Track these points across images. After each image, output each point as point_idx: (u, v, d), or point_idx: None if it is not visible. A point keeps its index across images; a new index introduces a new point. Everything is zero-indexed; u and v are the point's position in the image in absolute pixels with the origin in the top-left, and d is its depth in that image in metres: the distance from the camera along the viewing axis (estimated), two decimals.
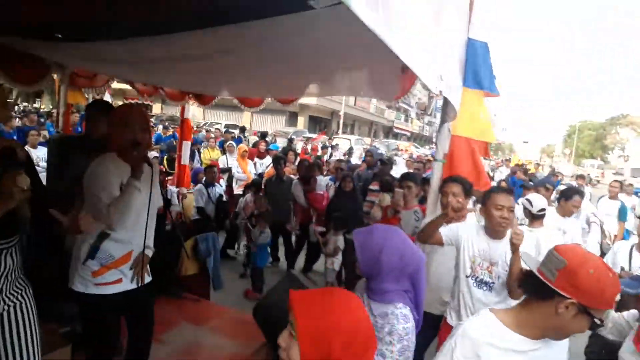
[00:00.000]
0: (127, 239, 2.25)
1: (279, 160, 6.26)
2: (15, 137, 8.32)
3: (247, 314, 3.39)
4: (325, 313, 1.04)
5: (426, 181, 3.98)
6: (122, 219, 2.13)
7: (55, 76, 4.63)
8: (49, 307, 3.33)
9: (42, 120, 11.95)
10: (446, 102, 2.90)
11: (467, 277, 2.59)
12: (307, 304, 1.06)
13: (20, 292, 1.80)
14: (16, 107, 17.17)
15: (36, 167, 2.14)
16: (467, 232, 2.67)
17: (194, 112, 24.65)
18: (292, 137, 20.41)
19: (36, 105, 21.79)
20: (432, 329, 2.74)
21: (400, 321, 1.68)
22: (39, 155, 6.49)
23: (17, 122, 10.07)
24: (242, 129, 16.93)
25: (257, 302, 3.36)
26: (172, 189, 6.16)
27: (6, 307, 1.74)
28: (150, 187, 2.27)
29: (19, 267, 1.77)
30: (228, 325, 3.64)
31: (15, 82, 4.21)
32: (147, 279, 2.42)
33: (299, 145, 15.13)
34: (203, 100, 5.84)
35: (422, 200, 4.69)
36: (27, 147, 7.32)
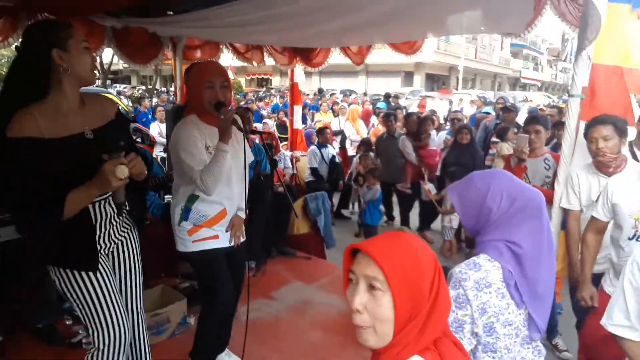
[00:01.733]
0: (218, 199, 2.20)
1: (388, 117, 5.96)
2: (149, 115, 9.26)
3: None
4: (406, 256, 0.89)
5: (561, 125, 3.38)
6: (216, 184, 2.06)
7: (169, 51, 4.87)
8: (173, 265, 3.62)
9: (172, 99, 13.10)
10: (585, 19, 2.36)
11: (630, 239, 2.11)
12: (386, 252, 0.90)
13: (125, 231, 1.90)
14: (155, 91, 19.13)
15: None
16: (621, 185, 2.16)
17: (312, 82, 25.15)
18: (408, 96, 19.65)
19: (172, 88, 24.09)
20: None
21: (462, 265, 1.36)
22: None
23: (152, 102, 11.16)
24: (320, 91, 16.47)
25: None
26: (286, 152, 6.27)
27: (114, 245, 1.85)
28: (237, 147, 2.19)
29: (122, 212, 1.84)
30: (338, 283, 3.56)
31: (134, 61, 4.52)
32: (241, 239, 2.39)
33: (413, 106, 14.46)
34: (311, 62, 5.70)
35: (556, 148, 4.09)
36: (156, 123, 8.14)
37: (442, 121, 8.93)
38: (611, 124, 2.32)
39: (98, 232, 1.76)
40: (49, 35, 1.58)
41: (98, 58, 19.23)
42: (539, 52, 43.67)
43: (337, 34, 4.06)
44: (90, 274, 1.71)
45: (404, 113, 8.01)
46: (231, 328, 2.57)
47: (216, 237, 2.25)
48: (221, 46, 5.12)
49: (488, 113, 7.74)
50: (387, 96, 12.34)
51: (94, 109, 1.75)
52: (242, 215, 2.40)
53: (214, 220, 2.23)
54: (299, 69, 6.09)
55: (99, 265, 1.75)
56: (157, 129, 8.02)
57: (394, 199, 6.12)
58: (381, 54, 5.24)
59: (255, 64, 5.57)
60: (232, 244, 2.31)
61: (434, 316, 0.89)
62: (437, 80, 31.68)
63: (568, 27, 2.84)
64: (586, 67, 2.50)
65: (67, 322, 2.97)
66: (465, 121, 7.37)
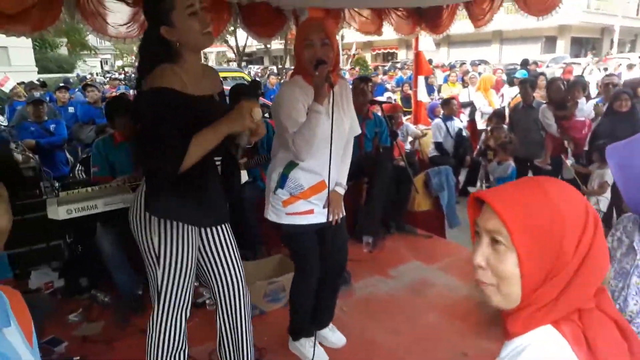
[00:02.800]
0: (317, 168, 2.08)
1: (525, 84, 5.30)
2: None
3: None
4: (539, 207, 0.75)
5: None
6: (308, 148, 1.95)
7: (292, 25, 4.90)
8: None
9: None
10: None
11: None
12: (511, 202, 0.77)
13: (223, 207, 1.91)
14: (285, 69, 19.91)
15: None
16: None
17: (440, 53, 23.90)
18: (550, 64, 17.54)
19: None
20: None
21: None
22: None
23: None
24: (451, 67, 15.03)
25: None
26: (409, 125, 6.00)
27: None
28: (337, 113, 2.02)
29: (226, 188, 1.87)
30: (461, 265, 3.30)
31: (259, 35, 4.63)
32: (340, 216, 2.25)
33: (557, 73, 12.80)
34: (437, 27, 5.32)
35: None
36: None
37: (593, 90, 7.76)
38: None
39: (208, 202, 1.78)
40: (152, 12, 1.63)
41: (234, 40, 20.78)
42: None
43: None
44: (187, 240, 1.73)
45: (546, 80, 7.10)
46: (332, 305, 2.49)
47: (311, 211, 2.14)
48: (342, 13, 5.00)
49: None
50: (524, 63, 11.07)
51: (212, 78, 1.80)
52: (341, 191, 2.26)
53: (311, 191, 2.11)
54: (425, 37, 5.74)
55: (194, 237, 1.77)
56: None
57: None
58: (517, 19, 4.65)
59: (375, 36, 5.38)
60: (330, 219, 2.18)
61: (580, 278, 0.75)
62: (586, 45, 27.76)
63: None
64: None
65: (195, 284, 3.20)
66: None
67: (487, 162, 4.83)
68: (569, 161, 4.51)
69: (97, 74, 23.60)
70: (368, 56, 28.67)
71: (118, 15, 3.61)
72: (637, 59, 14.87)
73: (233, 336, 1.97)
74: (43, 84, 9.72)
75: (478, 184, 6.11)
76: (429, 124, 6.31)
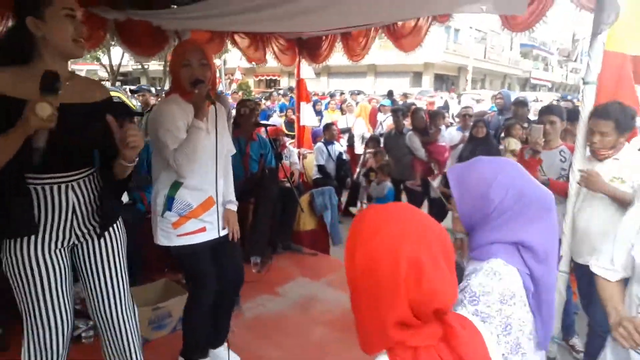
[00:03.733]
0: (203, 185, 2.10)
1: (397, 112, 5.84)
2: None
3: None
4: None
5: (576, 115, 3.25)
6: (189, 164, 1.97)
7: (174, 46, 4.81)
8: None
9: None
10: (602, 1, 2.28)
11: None
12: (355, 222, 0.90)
13: (94, 227, 1.71)
14: (163, 93, 19.13)
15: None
16: None
17: (320, 83, 25.10)
18: (417, 97, 19.49)
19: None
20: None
21: (480, 276, 1.14)
22: None
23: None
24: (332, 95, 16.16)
25: None
26: (293, 149, 6.20)
27: (78, 241, 1.70)
28: (216, 129, 2.08)
29: (93, 202, 1.70)
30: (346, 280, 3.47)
31: (137, 54, 4.46)
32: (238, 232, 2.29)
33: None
34: (317, 57, 5.64)
35: None
36: None
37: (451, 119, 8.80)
38: (613, 121, 2.26)
39: (57, 221, 1.61)
40: (25, 1, 1.51)
41: (107, 58, 19.47)
42: (549, 52, 43.12)
43: (340, 13, 3.98)
44: (37, 257, 1.58)
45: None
46: (228, 323, 2.48)
47: (203, 229, 2.13)
48: (226, 39, 5.06)
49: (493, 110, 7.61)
50: (390, 94, 12.23)
51: (80, 87, 1.65)
52: (234, 207, 2.30)
53: (201, 209, 2.10)
54: (306, 66, 6.04)
55: (50, 255, 1.61)
56: None
57: (403, 197, 6.00)
58: (389, 55, 5.15)
59: (254, 64, 5.53)
60: (221, 235, 2.20)
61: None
62: (447, 81, 31.46)
63: (578, 28, 2.77)
64: (601, 53, 2.42)
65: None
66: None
67: (368, 183, 5.19)
68: (435, 182, 5.04)
69: None
70: (251, 82, 28.93)
71: None
72: (485, 94, 17.38)
73: None
74: None
75: (359, 204, 6.50)
76: (311, 148, 6.58)
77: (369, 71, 28.61)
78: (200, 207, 2.10)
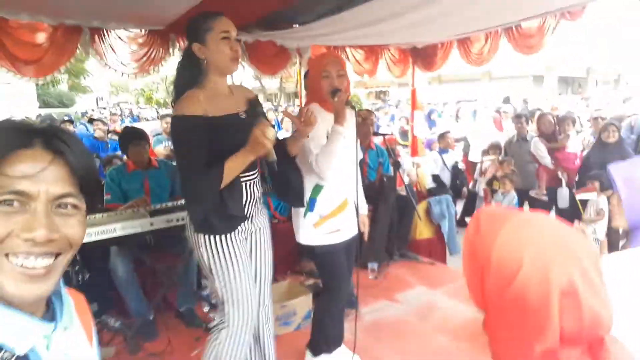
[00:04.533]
0: (340, 188, 2.24)
1: (520, 118, 5.52)
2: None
3: None
4: (485, 231, 0.82)
5: None
6: (330, 167, 2.11)
7: (296, 62, 5.12)
8: (298, 263, 3.78)
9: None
10: None
11: None
12: (479, 218, 0.86)
13: (263, 217, 2.02)
14: (279, 108, 20.30)
15: None
16: None
17: (431, 90, 24.56)
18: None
19: (296, 103, 25.31)
20: None
21: None
22: None
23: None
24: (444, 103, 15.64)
25: None
26: (407, 158, 6.17)
27: (254, 229, 1.96)
28: (352, 135, 2.21)
29: (260, 198, 1.98)
30: (465, 290, 3.36)
31: (264, 72, 4.83)
32: (356, 230, 2.39)
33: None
34: (430, 65, 5.60)
35: None
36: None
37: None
38: None
39: (248, 210, 1.88)
40: (191, 29, 1.80)
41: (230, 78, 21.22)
42: None
43: (456, 21, 3.93)
44: (231, 249, 1.83)
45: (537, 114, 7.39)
46: (343, 321, 2.58)
47: (338, 230, 2.27)
48: (342, 55, 5.25)
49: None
50: (506, 100, 11.57)
51: (240, 95, 1.92)
52: (366, 211, 2.47)
53: (337, 210, 2.25)
54: (420, 74, 6.01)
55: (237, 248, 1.85)
56: None
57: (526, 207, 5.63)
58: (505, 58, 4.89)
59: (366, 76, 5.64)
60: (351, 237, 2.32)
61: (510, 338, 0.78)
62: (572, 83, 28.71)
63: None
64: None
65: (204, 309, 3.25)
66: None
67: (491, 193, 4.96)
68: (563, 191, 4.65)
69: (92, 110, 23.93)
70: (361, 94, 29.32)
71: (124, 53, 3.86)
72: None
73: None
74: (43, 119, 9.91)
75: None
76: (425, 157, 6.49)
77: (482, 77, 27.27)
78: (338, 208, 2.25)
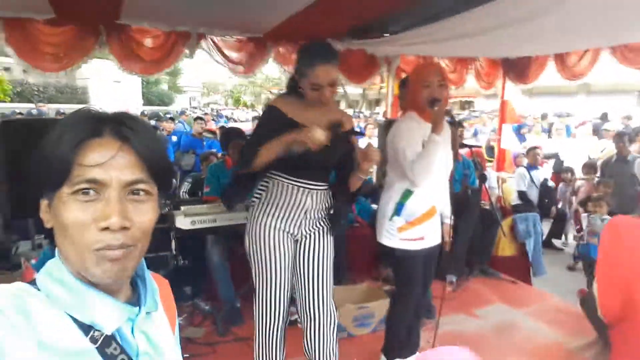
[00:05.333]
0: (430, 194, 2.28)
1: (622, 136, 5.16)
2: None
3: (575, 306, 2.96)
4: (632, 241, 0.81)
5: None
6: (426, 174, 2.16)
7: (384, 71, 5.20)
8: (375, 268, 3.86)
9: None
10: None
11: None
12: (618, 228, 0.86)
13: (318, 228, 2.06)
14: (360, 115, 20.41)
15: None
16: None
17: (520, 105, 23.36)
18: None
19: (377, 111, 25.33)
20: None
21: None
22: None
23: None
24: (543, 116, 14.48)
25: (587, 292, 2.87)
26: (492, 172, 6.00)
27: (302, 235, 2.05)
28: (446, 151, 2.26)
29: (322, 211, 2.05)
30: (550, 313, 3.25)
31: (352, 80, 4.95)
32: (439, 240, 2.43)
33: None
34: (524, 78, 5.40)
35: None
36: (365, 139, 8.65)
37: None
38: None
39: (291, 214, 1.99)
40: (296, 62, 1.95)
41: None
42: None
43: (554, 37, 3.77)
44: (268, 241, 1.97)
45: None
46: (419, 329, 2.61)
47: (422, 238, 2.32)
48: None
49: None
50: (603, 117, 10.73)
51: (332, 115, 2.00)
52: (449, 222, 2.49)
53: (423, 217, 2.30)
54: (512, 86, 5.82)
55: (279, 236, 1.98)
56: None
57: None
58: (606, 71, 4.59)
59: (453, 87, 5.54)
60: (433, 245, 2.37)
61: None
62: None
63: None
64: None
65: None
66: None
67: (583, 214, 4.68)
68: None
69: (187, 109, 25.67)
70: None
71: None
72: None
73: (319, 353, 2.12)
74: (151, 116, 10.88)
75: (563, 237, 5.89)
76: (511, 172, 6.26)
77: (579, 90, 25.43)
78: (424, 215, 2.30)
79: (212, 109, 25.69)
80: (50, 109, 11.67)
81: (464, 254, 3.74)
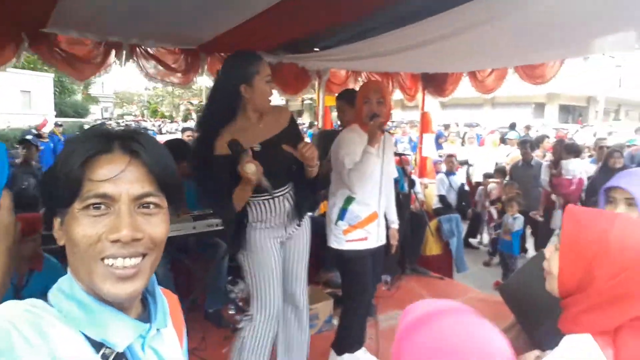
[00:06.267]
0: (369, 201, 2.50)
1: (525, 144, 5.82)
2: None
3: (494, 296, 3.31)
4: (594, 227, 0.96)
5: None
6: (359, 182, 2.37)
7: (315, 84, 5.41)
8: (316, 273, 4.00)
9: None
10: None
11: None
12: (577, 216, 1.00)
13: (297, 227, 2.28)
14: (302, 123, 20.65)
15: None
16: None
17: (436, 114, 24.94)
18: (540, 129, 18.45)
19: (300, 120, 25.73)
20: None
21: None
22: None
23: None
24: (446, 126, 15.98)
25: (505, 281, 3.24)
26: (416, 178, 6.43)
27: (288, 237, 2.26)
28: (383, 156, 2.46)
29: (295, 211, 2.22)
30: (473, 303, 3.54)
31: (285, 92, 5.11)
32: (384, 241, 2.67)
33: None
34: (442, 92, 5.88)
35: None
36: None
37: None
38: None
39: (278, 221, 2.16)
40: (240, 71, 2.01)
41: None
42: None
43: (469, 57, 4.21)
44: (262, 249, 2.14)
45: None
46: (366, 325, 2.81)
47: (365, 238, 2.53)
48: (359, 79, 5.56)
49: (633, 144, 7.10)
50: (512, 126, 11.94)
51: (269, 122, 2.13)
52: (396, 226, 2.76)
53: (365, 221, 2.51)
54: (430, 99, 6.31)
55: (272, 250, 2.16)
56: None
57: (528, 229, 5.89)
58: (508, 84, 5.18)
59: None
60: (377, 245, 2.58)
61: (608, 309, 0.93)
62: (573, 112, 29.23)
63: None
64: None
65: (230, 312, 3.47)
66: None
67: (494, 214, 5.20)
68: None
69: (96, 120, 24.18)
70: None
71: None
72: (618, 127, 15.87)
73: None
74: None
75: (479, 236, 6.46)
76: (432, 178, 6.76)
77: (485, 102, 27.77)
78: (366, 219, 2.51)
79: (125, 121, 24.47)
80: None
81: (397, 255, 4.01)
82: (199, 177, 2.06)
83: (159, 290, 0.79)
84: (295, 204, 2.21)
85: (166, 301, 0.79)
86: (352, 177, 2.35)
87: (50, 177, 0.67)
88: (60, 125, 9.89)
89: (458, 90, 5.70)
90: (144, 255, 0.67)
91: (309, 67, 5.05)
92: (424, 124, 6.55)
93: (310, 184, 2.20)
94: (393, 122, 23.75)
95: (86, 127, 7.73)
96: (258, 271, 2.14)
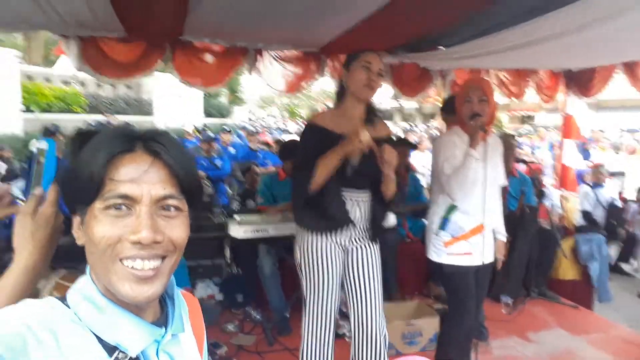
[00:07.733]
0: (474, 211, 2.23)
1: None
2: None
3: None
4: None
5: None
6: (459, 188, 2.14)
7: (438, 84, 5.12)
8: (426, 285, 3.78)
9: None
10: None
11: None
12: None
13: (365, 240, 2.09)
14: (415, 128, 20.20)
15: None
16: None
17: (584, 119, 22.13)
18: None
19: (432, 124, 24.92)
20: None
21: None
22: None
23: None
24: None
25: None
26: (554, 190, 5.72)
27: (353, 247, 2.08)
28: (487, 160, 2.18)
29: (368, 221, 2.07)
30: (615, 342, 3.03)
31: (405, 94, 4.91)
32: (491, 258, 2.36)
33: None
34: (588, 90, 5.13)
35: None
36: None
37: None
38: None
39: (345, 228, 2.02)
40: (348, 57, 2.04)
41: None
42: None
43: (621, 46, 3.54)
44: (320, 252, 2.00)
45: None
46: (470, 351, 2.49)
47: (470, 253, 2.26)
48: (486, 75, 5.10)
49: None
50: None
51: (369, 126, 2.00)
52: (504, 239, 2.42)
53: (470, 233, 2.26)
54: (575, 100, 5.55)
55: (326, 254, 2.01)
56: None
57: None
58: None
59: (514, 99, 5.34)
60: (484, 263, 2.28)
61: None
62: None
63: None
64: None
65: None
66: None
67: None
68: None
69: (243, 122, 26.44)
70: (506, 118, 27.64)
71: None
72: None
73: None
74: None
75: (634, 261, 5.50)
76: (573, 190, 5.95)
77: None
78: (471, 231, 2.26)
79: (265, 123, 26.33)
80: (118, 121, 12.50)
81: (520, 275, 3.59)
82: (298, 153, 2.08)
83: (179, 294, 0.76)
84: (371, 216, 2.08)
85: (186, 305, 0.78)
86: (453, 184, 2.15)
87: (72, 175, 0.67)
88: (209, 128, 10.84)
89: (612, 89, 4.92)
90: (163, 258, 0.66)
91: (431, 67, 4.79)
92: (567, 129, 5.80)
93: (383, 200, 2.06)
94: (533, 124, 21.71)
95: (227, 128, 8.35)
96: (314, 274, 2.01)
